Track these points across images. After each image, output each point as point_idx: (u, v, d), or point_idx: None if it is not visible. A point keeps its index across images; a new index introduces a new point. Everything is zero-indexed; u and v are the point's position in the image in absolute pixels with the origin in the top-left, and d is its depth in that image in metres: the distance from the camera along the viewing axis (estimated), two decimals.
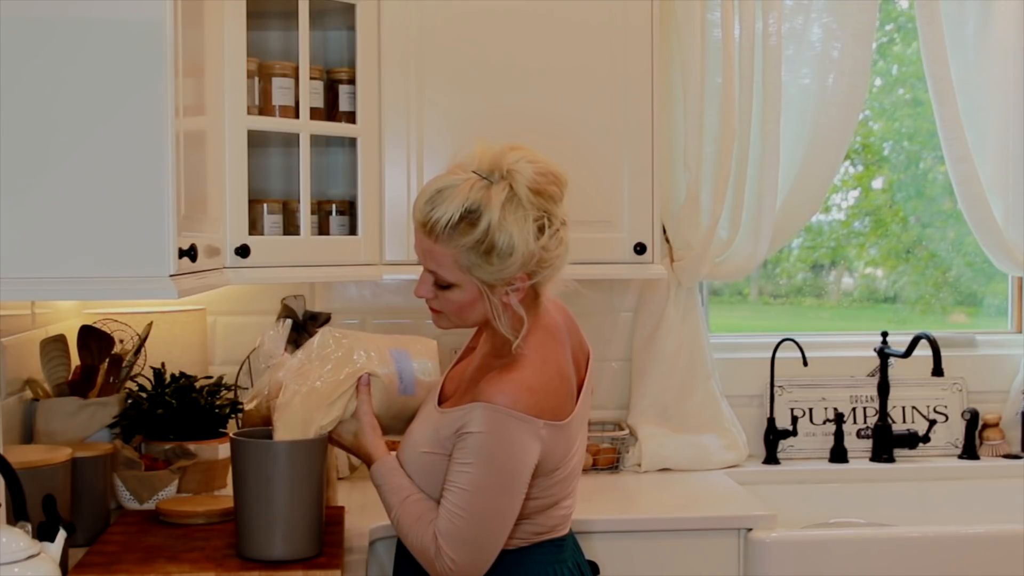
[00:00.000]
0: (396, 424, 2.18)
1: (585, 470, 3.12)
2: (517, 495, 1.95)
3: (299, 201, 2.66)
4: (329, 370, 2.10)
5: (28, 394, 2.56)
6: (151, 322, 2.76)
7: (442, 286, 2.00)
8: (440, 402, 2.09)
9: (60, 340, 2.60)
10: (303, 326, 2.63)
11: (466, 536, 1.93)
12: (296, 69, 2.66)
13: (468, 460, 1.92)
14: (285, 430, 2.08)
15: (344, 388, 2.10)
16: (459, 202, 1.92)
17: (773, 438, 3.31)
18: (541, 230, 1.95)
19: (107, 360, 2.65)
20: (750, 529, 2.72)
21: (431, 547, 1.95)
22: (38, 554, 1.63)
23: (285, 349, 2.22)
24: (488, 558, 1.97)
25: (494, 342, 2.05)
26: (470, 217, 1.92)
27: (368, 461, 2.09)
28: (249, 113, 2.57)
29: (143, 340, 2.72)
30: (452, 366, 2.22)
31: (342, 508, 2.50)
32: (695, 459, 3.20)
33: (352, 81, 2.79)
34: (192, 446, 2.56)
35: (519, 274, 1.95)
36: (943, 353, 3.18)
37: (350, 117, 2.79)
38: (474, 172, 1.96)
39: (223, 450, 2.57)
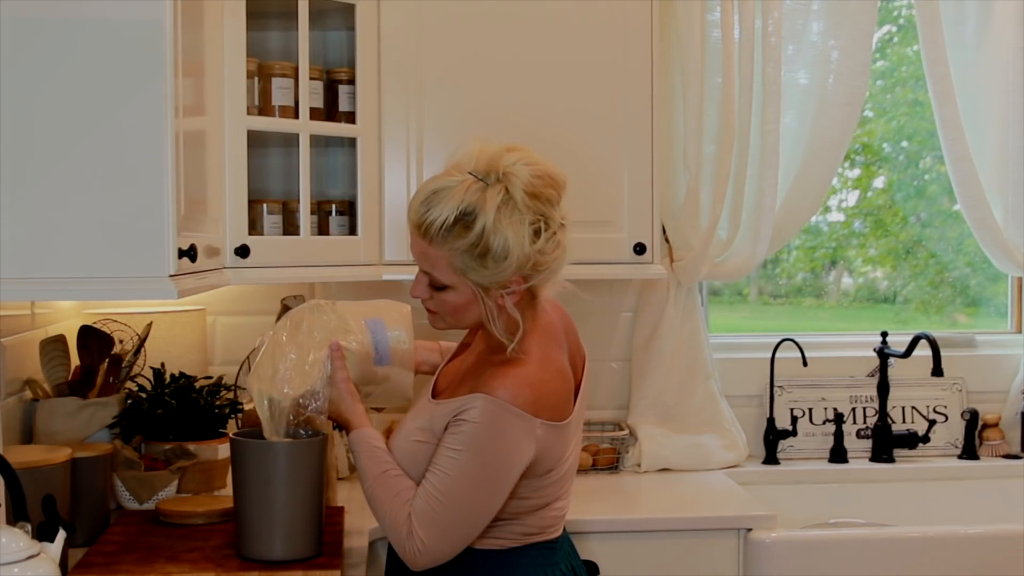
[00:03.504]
0: (373, 390, 2.17)
1: (585, 470, 3.12)
2: (500, 491, 1.94)
3: (299, 201, 2.66)
4: (302, 340, 2.09)
5: (28, 394, 2.56)
6: (151, 322, 2.76)
7: (437, 287, 1.99)
8: (434, 395, 2.09)
9: (60, 340, 2.60)
10: None
11: (441, 521, 1.92)
12: (296, 69, 2.66)
13: (458, 447, 1.92)
14: (267, 404, 2.07)
15: (317, 357, 2.08)
16: (454, 204, 1.91)
17: (773, 438, 3.31)
18: (537, 234, 1.94)
19: (107, 360, 2.65)
20: (750, 529, 2.72)
21: (404, 526, 1.94)
22: (38, 554, 1.63)
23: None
24: (457, 547, 1.96)
25: (490, 341, 2.05)
26: (465, 220, 1.92)
27: (347, 427, 2.08)
28: (249, 113, 2.57)
29: (143, 340, 2.72)
30: (446, 363, 2.22)
31: (342, 508, 2.50)
32: (695, 459, 3.20)
33: (352, 81, 2.79)
34: (192, 446, 2.56)
35: (514, 277, 1.95)
36: (943, 353, 3.18)
37: (350, 117, 2.79)
38: (470, 173, 1.95)
39: (223, 450, 2.57)
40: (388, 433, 2.70)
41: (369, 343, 2.13)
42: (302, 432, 2.10)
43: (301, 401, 2.05)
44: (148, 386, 2.65)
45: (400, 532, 1.95)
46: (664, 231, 3.18)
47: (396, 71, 2.81)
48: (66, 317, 2.80)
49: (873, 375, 3.37)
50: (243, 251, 2.52)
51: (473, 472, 1.91)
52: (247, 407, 2.63)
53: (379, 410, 2.15)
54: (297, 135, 2.66)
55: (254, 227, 2.66)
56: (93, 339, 2.64)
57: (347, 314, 2.15)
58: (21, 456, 2.14)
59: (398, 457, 2.02)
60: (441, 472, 1.92)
